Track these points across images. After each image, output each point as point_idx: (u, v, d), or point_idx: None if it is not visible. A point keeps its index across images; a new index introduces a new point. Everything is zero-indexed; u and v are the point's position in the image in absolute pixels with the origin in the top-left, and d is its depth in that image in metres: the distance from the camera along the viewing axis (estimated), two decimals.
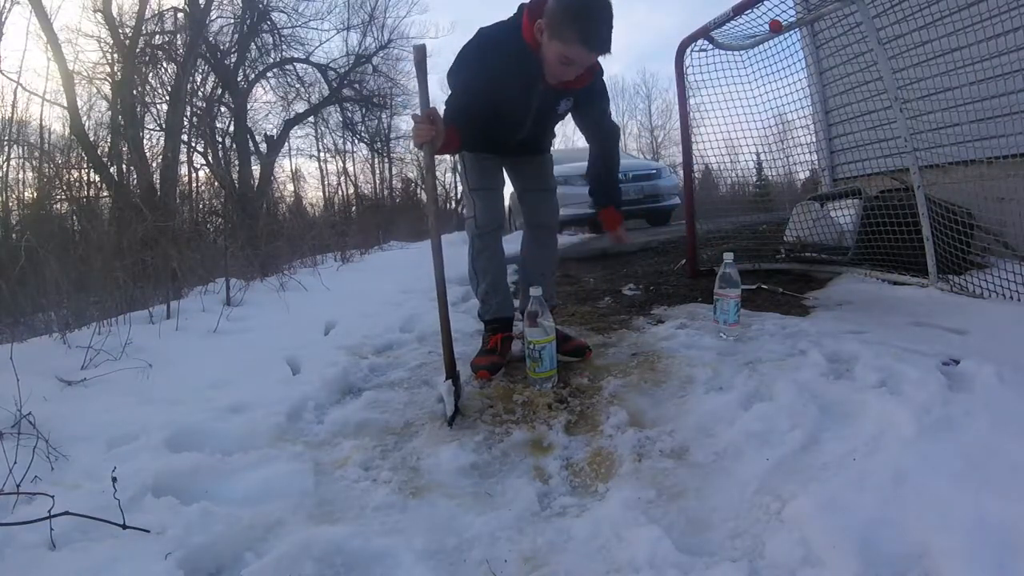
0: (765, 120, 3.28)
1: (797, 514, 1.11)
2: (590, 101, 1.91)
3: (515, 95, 1.81)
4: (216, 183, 10.02)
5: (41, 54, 10.10)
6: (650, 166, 7.37)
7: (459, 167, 2.13)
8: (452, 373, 1.76)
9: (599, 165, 2.02)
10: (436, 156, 1.83)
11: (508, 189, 2.31)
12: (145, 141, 10.55)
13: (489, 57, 1.77)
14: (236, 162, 13.43)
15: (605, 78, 1.93)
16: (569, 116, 2.02)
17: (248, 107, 14.34)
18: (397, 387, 1.97)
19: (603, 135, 2.00)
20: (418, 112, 1.68)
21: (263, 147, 14.92)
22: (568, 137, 28.11)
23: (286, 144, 15.72)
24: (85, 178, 8.06)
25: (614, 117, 2.06)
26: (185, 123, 11.12)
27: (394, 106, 17.56)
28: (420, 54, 1.77)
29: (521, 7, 1.78)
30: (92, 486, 1.26)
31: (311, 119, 16.47)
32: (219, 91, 13.62)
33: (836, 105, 3.72)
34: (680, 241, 4.33)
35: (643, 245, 4.81)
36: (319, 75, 15.37)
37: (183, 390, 1.84)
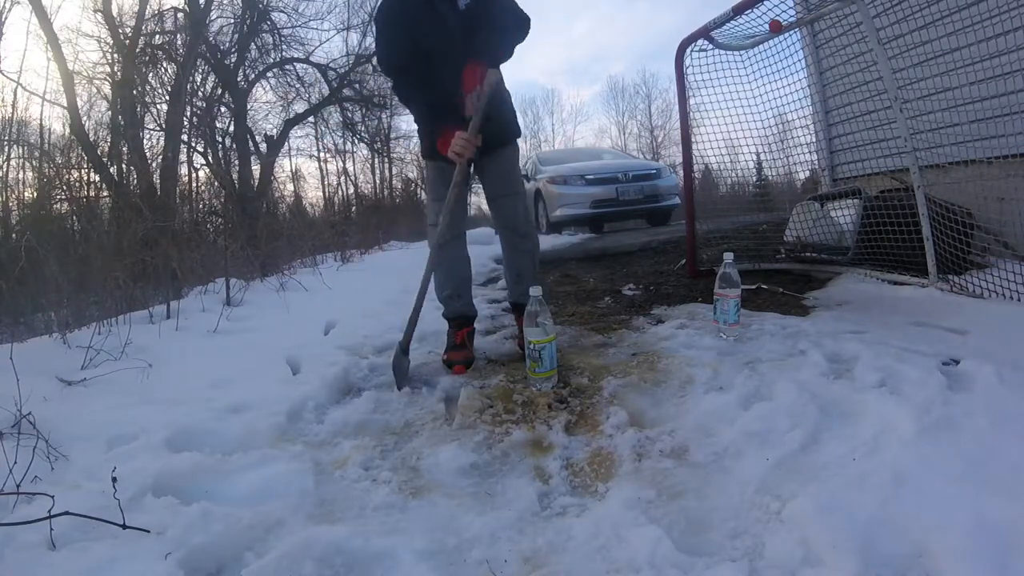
0: (765, 120, 3.28)
1: (797, 514, 1.11)
2: None
3: (424, 20, 1.91)
4: (216, 183, 10.01)
5: (41, 54, 10.11)
6: (650, 166, 7.38)
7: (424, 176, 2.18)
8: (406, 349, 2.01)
9: (489, 28, 1.93)
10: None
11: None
12: (145, 141, 10.55)
13: (386, 17, 1.96)
14: (236, 162, 13.40)
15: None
16: None
17: (248, 107, 14.32)
18: None
19: (496, 13, 1.94)
20: (466, 132, 1.86)
21: (263, 147, 14.91)
22: (568, 137, 28.23)
23: (286, 144, 15.70)
24: (85, 178, 8.04)
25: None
26: (185, 123, 11.10)
27: (394, 106, 17.54)
28: (497, 80, 1.87)
29: None
30: (92, 486, 1.26)
31: (311, 119, 16.44)
32: (219, 91, 13.59)
33: (836, 105, 3.72)
34: (680, 241, 4.33)
35: (643, 245, 4.81)
36: (319, 75, 15.34)
37: (183, 390, 1.84)
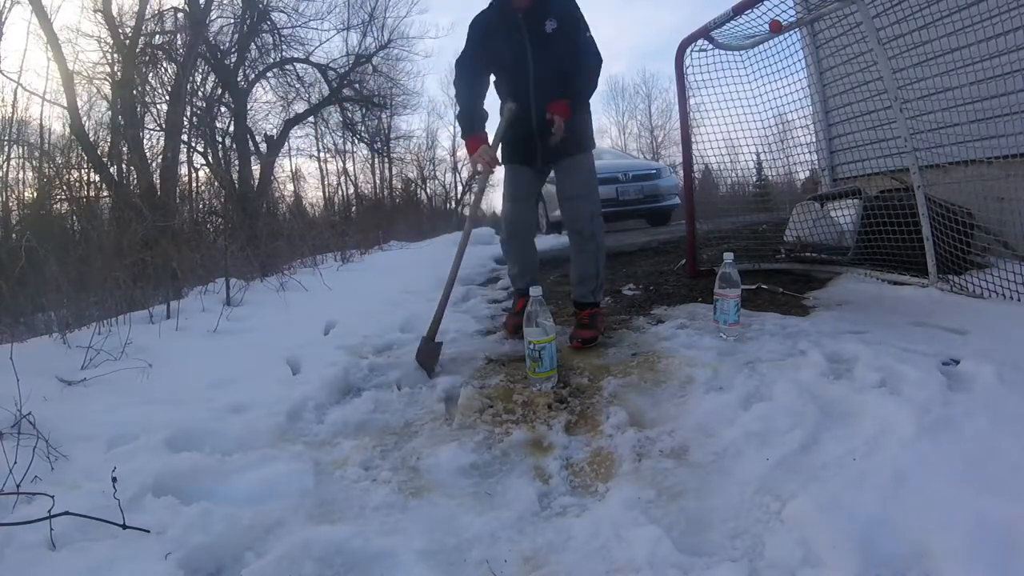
0: (765, 120, 3.28)
1: (797, 514, 1.11)
2: (571, 23, 2.13)
3: (504, 33, 2.14)
4: (216, 183, 10.00)
5: (41, 54, 10.11)
6: (650, 166, 7.37)
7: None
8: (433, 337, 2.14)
9: (571, 76, 2.15)
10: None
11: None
12: (145, 141, 10.53)
13: (476, 25, 2.21)
14: (236, 162, 13.40)
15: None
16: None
17: (248, 107, 14.33)
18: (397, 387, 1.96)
19: (582, 57, 2.15)
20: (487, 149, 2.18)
21: (263, 147, 14.91)
22: None
23: (286, 144, 15.71)
24: (85, 178, 8.03)
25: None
26: (185, 123, 11.10)
27: (394, 106, 17.57)
28: (514, 111, 2.17)
29: None
30: (92, 486, 1.26)
31: (311, 119, 16.45)
32: (219, 91, 13.60)
33: (836, 105, 3.72)
34: (680, 241, 4.33)
35: (643, 245, 4.81)
36: (319, 75, 15.35)
37: (183, 390, 1.84)
